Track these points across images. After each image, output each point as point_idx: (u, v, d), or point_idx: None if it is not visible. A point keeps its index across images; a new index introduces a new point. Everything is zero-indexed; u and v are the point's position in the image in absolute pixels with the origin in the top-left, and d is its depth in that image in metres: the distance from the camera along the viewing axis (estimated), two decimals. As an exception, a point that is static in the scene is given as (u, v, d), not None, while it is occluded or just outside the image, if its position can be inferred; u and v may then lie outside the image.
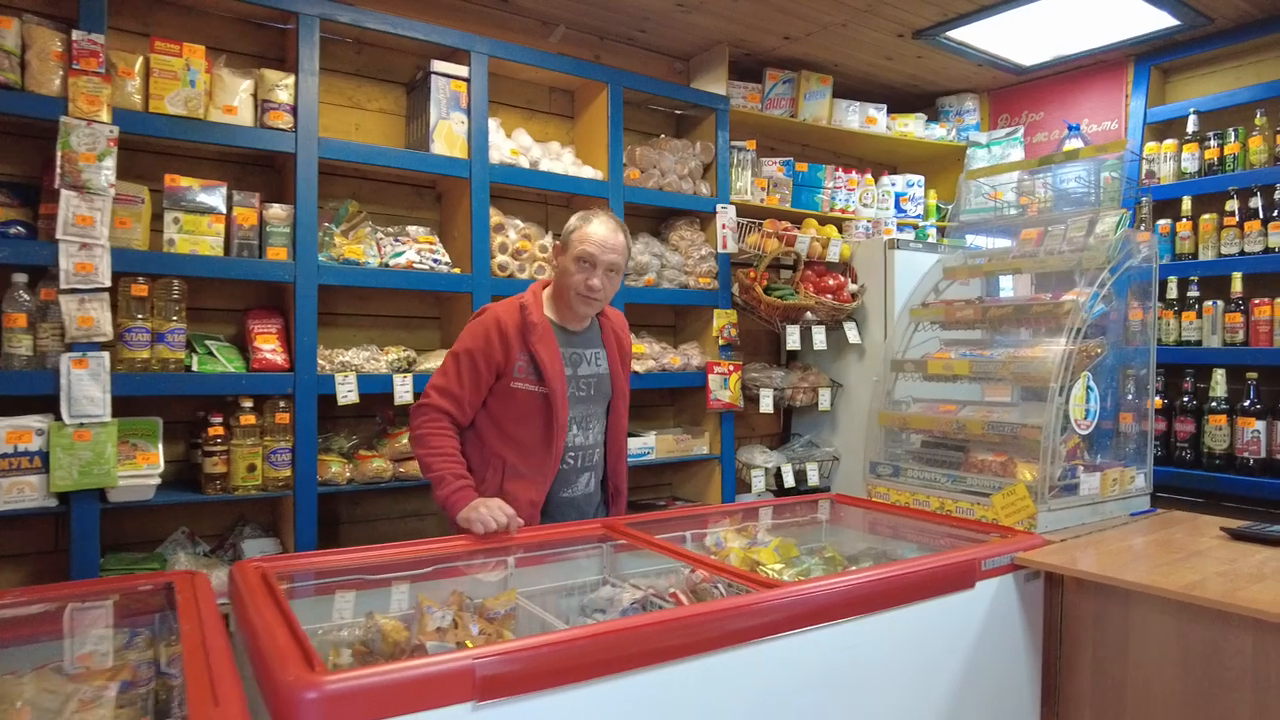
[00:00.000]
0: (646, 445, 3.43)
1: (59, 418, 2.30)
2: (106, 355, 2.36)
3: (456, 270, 3.01)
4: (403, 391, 2.83)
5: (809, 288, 3.72)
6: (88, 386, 2.35)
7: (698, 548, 2.40)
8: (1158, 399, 3.38)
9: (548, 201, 3.52)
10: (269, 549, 2.74)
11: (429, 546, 2.10)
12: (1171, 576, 1.85)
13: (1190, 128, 3.47)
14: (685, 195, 3.52)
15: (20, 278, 2.33)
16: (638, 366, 3.35)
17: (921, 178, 4.09)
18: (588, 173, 3.28)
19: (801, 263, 3.70)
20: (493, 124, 3.09)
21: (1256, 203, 3.23)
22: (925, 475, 2.57)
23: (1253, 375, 3.15)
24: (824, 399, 3.77)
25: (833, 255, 3.76)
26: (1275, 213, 3.17)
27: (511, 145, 3.10)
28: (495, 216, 3.08)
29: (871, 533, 2.60)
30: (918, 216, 4.08)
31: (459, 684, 1.26)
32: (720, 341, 3.60)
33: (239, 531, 2.83)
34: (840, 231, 3.91)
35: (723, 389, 3.56)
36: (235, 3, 2.66)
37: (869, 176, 4.04)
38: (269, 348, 2.67)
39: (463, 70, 3.00)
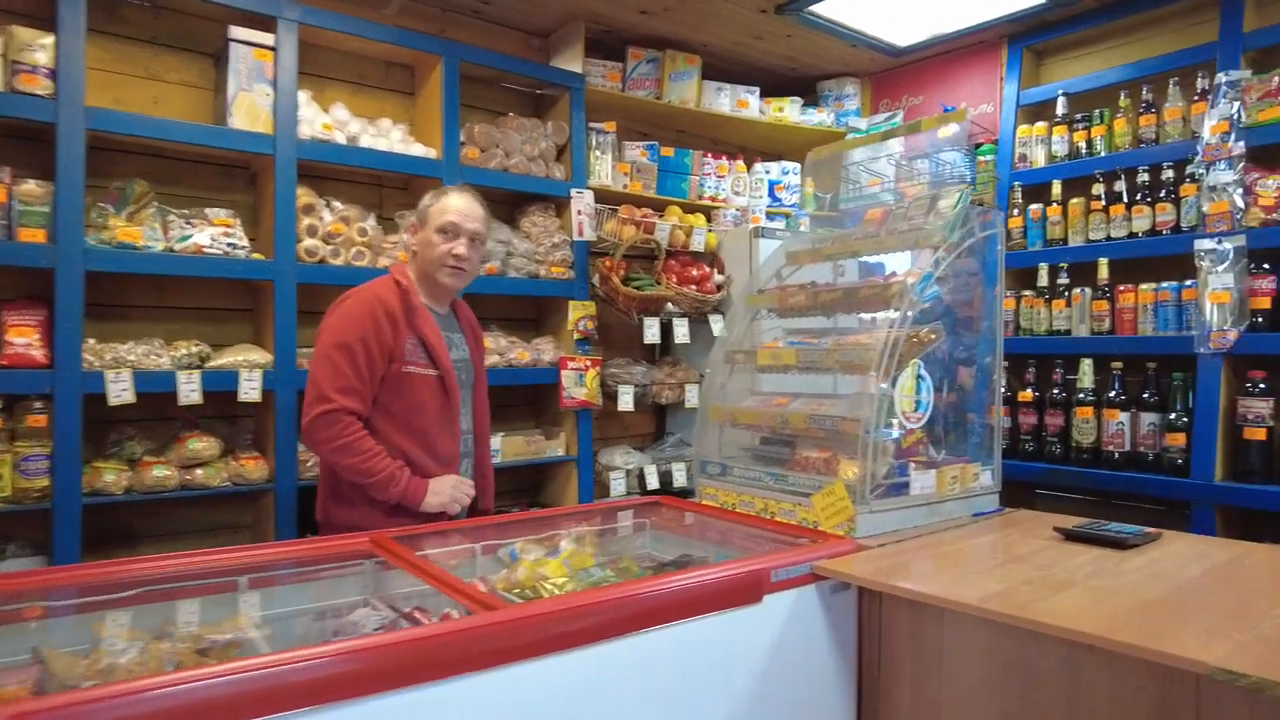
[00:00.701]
0: (492, 448, 3.17)
1: None
2: None
3: (258, 256, 2.73)
4: (188, 390, 2.54)
5: (672, 278, 3.51)
6: None
7: (491, 560, 2.17)
8: (1028, 391, 3.24)
9: (382, 183, 3.26)
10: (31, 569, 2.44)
11: (162, 563, 1.83)
12: (975, 586, 1.65)
13: (1059, 110, 3.33)
14: (534, 178, 3.29)
15: None
16: (477, 362, 3.10)
17: (797, 165, 3.91)
18: (418, 150, 3.03)
19: (662, 252, 3.48)
20: (304, 97, 2.83)
21: (1120, 186, 3.10)
22: (750, 474, 2.36)
23: (1117, 365, 3.01)
24: (691, 395, 3.56)
25: (697, 244, 3.56)
26: (1138, 196, 3.04)
27: (325, 120, 2.83)
28: (306, 197, 2.81)
29: (696, 539, 2.39)
30: (793, 205, 3.89)
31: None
32: (576, 335, 3.37)
33: (1, 550, 2.52)
34: (709, 220, 3.71)
35: (578, 386, 3.33)
36: (-22, -49, 2.37)
37: (740, 163, 3.84)
38: (23, 341, 2.37)
39: (269, 38, 2.73)
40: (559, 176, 3.37)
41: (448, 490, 2.22)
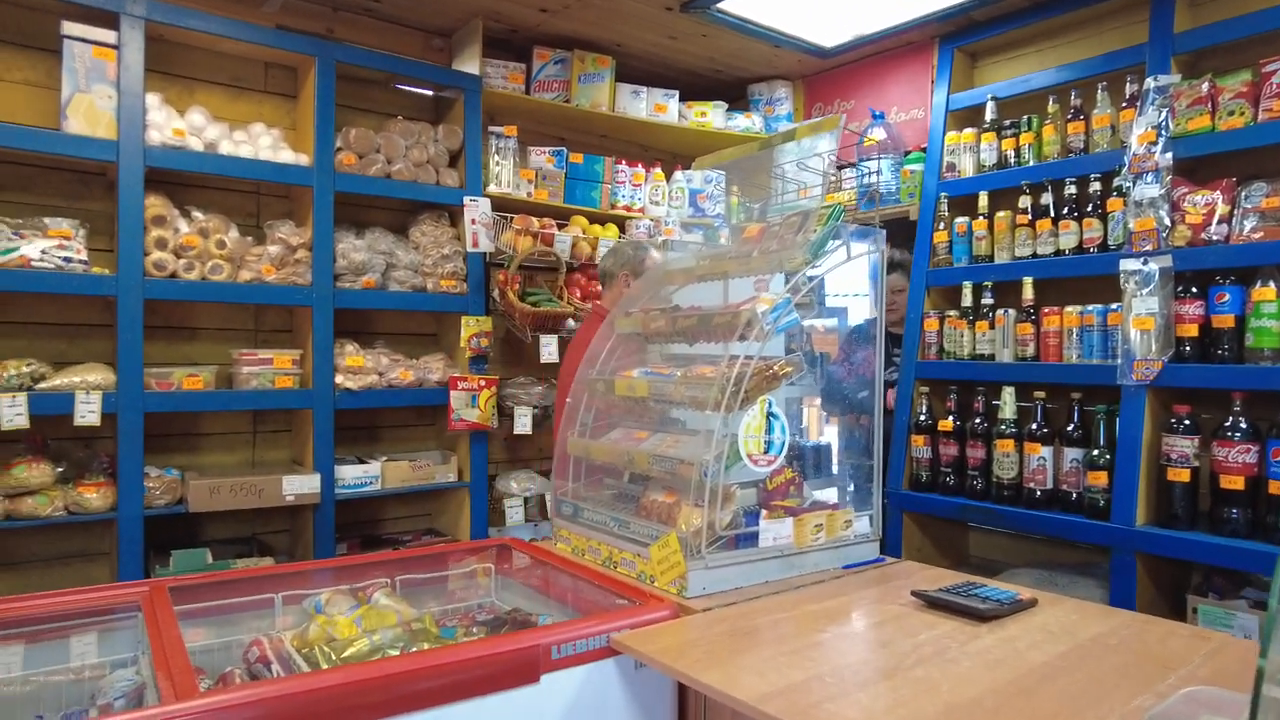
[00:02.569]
0: (371, 474, 2.98)
1: None
2: None
3: (98, 270, 2.55)
4: (13, 414, 2.37)
5: (575, 293, 3.30)
6: None
7: (296, 612, 1.97)
8: (948, 420, 2.99)
9: (260, 191, 3.07)
10: None
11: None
12: (773, 675, 1.43)
13: (988, 116, 3.08)
14: (420, 185, 3.09)
15: None
16: (350, 383, 2.91)
17: (721, 174, 3.68)
18: (287, 157, 2.84)
19: (563, 265, 3.27)
20: (155, 100, 2.65)
21: (1048, 199, 2.85)
22: (598, 518, 2.14)
23: (1040, 394, 2.76)
24: (597, 418, 3.34)
25: (604, 257, 3.34)
26: (1065, 210, 2.79)
27: (177, 125, 2.64)
28: (158, 208, 2.63)
29: (538, 591, 2.18)
30: (717, 215, 3.67)
31: None
32: (469, 353, 3.17)
33: None
34: (622, 231, 3.49)
35: (469, 407, 3.13)
36: None
37: (658, 171, 3.62)
38: None
39: (111, 35, 2.54)
40: (452, 183, 3.17)
41: None
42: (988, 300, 2.95)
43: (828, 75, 3.76)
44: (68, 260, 2.49)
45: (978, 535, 3.35)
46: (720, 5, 3.07)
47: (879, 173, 3.25)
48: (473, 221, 3.13)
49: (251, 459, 3.10)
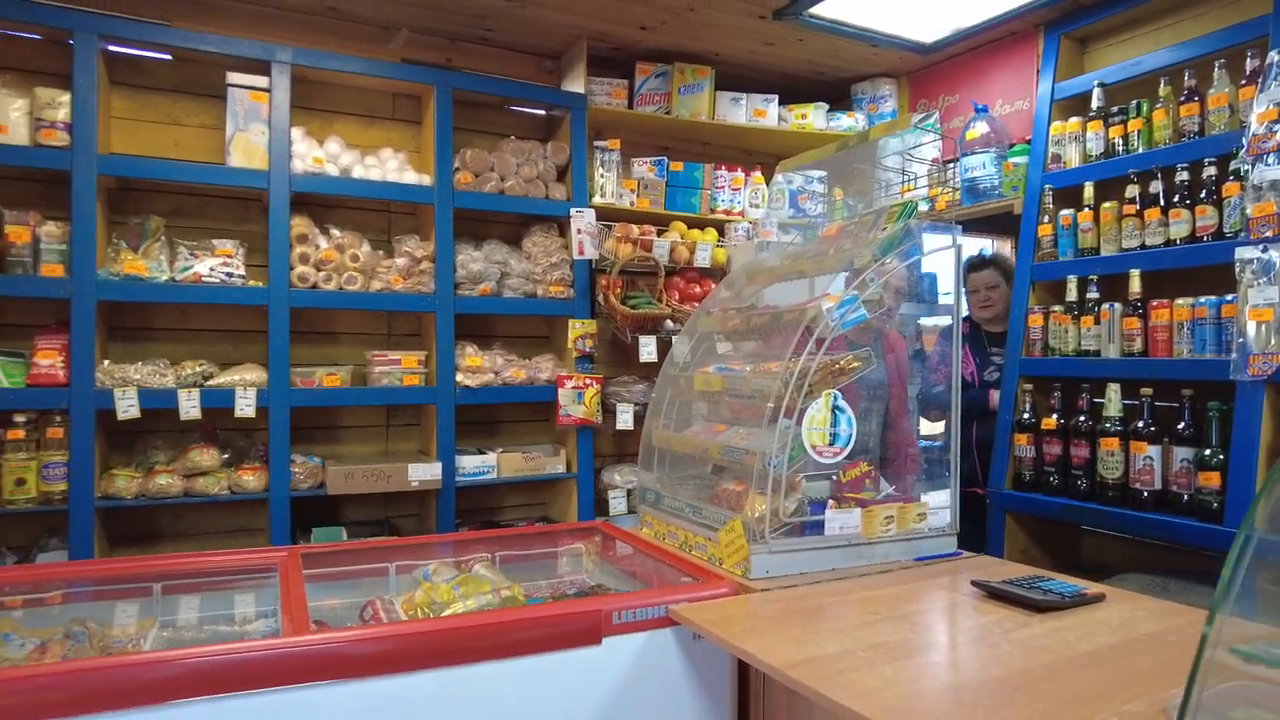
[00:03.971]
0: (488, 464, 3.26)
1: None
2: None
3: (254, 283, 2.95)
4: (188, 407, 2.79)
5: (674, 296, 3.45)
6: None
7: (408, 581, 2.24)
8: (1051, 418, 2.91)
9: (390, 210, 3.42)
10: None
11: (87, 569, 2.04)
12: (811, 646, 1.52)
13: (1095, 103, 2.97)
14: (530, 199, 3.34)
15: None
16: (469, 381, 3.20)
17: (823, 173, 3.72)
18: (411, 178, 3.17)
19: (661, 269, 3.43)
20: (298, 133, 3.03)
21: (1157, 187, 2.72)
22: (675, 505, 2.29)
23: (1147, 392, 2.64)
24: (696, 415, 3.47)
25: (702, 260, 3.47)
26: (1176, 198, 2.66)
27: (316, 154, 3.02)
28: (301, 227, 3.01)
29: (622, 569, 2.34)
30: (819, 216, 3.71)
31: None
32: (575, 354, 3.39)
33: (44, 543, 2.87)
34: (722, 235, 3.61)
35: (575, 404, 3.35)
36: (8, 22, 2.71)
37: (758, 174, 3.71)
38: (47, 363, 2.69)
39: (264, 81, 2.95)
40: (559, 196, 3.41)
41: None
42: (1093, 294, 2.85)
43: (931, 70, 3.72)
44: (230, 275, 2.90)
45: (1091, 539, 3.22)
46: (813, 10, 3.13)
47: (998, 164, 3.19)
48: (578, 231, 3.35)
49: (385, 449, 3.45)
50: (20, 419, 2.64)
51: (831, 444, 2.05)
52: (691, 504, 2.21)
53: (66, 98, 2.68)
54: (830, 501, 2.09)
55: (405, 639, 1.54)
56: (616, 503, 3.41)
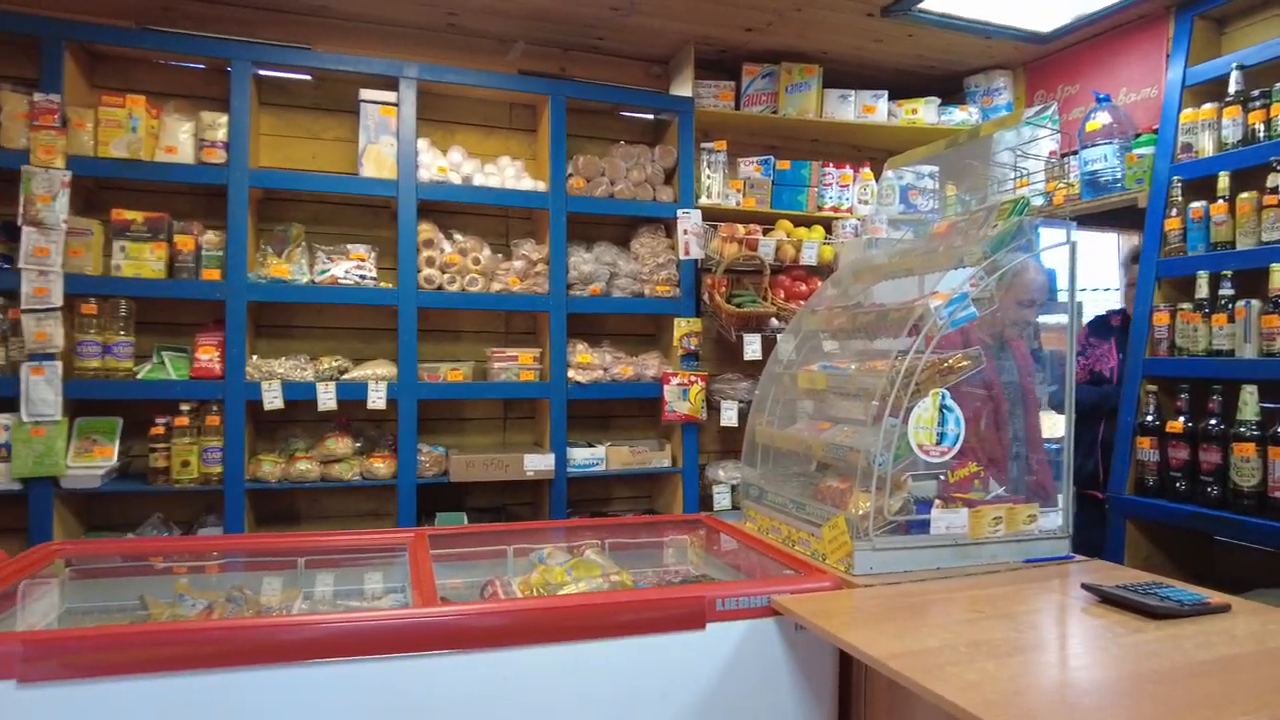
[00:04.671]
0: (597, 456, 3.39)
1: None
2: (59, 364, 2.79)
3: (384, 285, 3.18)
4: (325, 399, 3.04)
5: (780, 294, 3.48)
6: (43, 390, 2.79)
7: (524, 564, 2.38)
8: (1178, 421, 2.78)
9: (508, 215, 3.60)
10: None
11: (242, 543, 2.28)
12: (910, 640, 1.55)
13: (1232, 87, 2.81)
14: (639, 202, 3.45)
15: (-3, 300, 2.82)
16: (580, 377, 3.33)
17: (934, 168, 3.65)
18: (527, 185, 3.33)
19: (766, 268, 3.46)
20: (424, 144, 3.24)
21: (1301, 177, 2.55)
22: (779, 500, 2.33)
23: (1288, 394, 2.49)
24: (801, 413, 3.49)
25: (808, 258, 3.49)
26: (1322, 188, 2.49)
27: (440, 163, 3.21)
28: (427, 232, 3.21)
29: (724, 560, 2.41)
30: (930, 211, 3.65)
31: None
32: (681, 351, 3.47)
33: (202, 520, 3.19)
34: (829, 233, 3.61)
35: (681, 400, 3.43)
36: (176, 54, 3.02)
37: (867, 170, 3.68)
38: (207, 358, 2.99)
39: (392, 96, 3.17)
40: (667, 198, 3.50)
41: None
42: (1227, 291, 2.70)
43: (1049, 61, 3.59)
44: (363, 277, 3.14)
45: (1224, 550, 3.04)
46: (922, 6, 3.10)
47: (1121, 156, 3.07)
48: (685, 232, 3.43)
49: (502, 441, 3.64)
50: (185, 408, 2.94)
51: (939, 443, 2.05)
52: (795, 500, 2.25)
53: (224, 119, 2.97)
54: (936, 501, 2.08)
55: (523, 614, 1.66)
56: (720, 498, 3.47)
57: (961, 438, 2.07)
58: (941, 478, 2.23)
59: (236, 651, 1.49)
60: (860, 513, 2.00)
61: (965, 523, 2.08)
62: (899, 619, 1.69)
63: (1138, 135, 3.13)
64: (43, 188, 2.79)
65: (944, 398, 2.05)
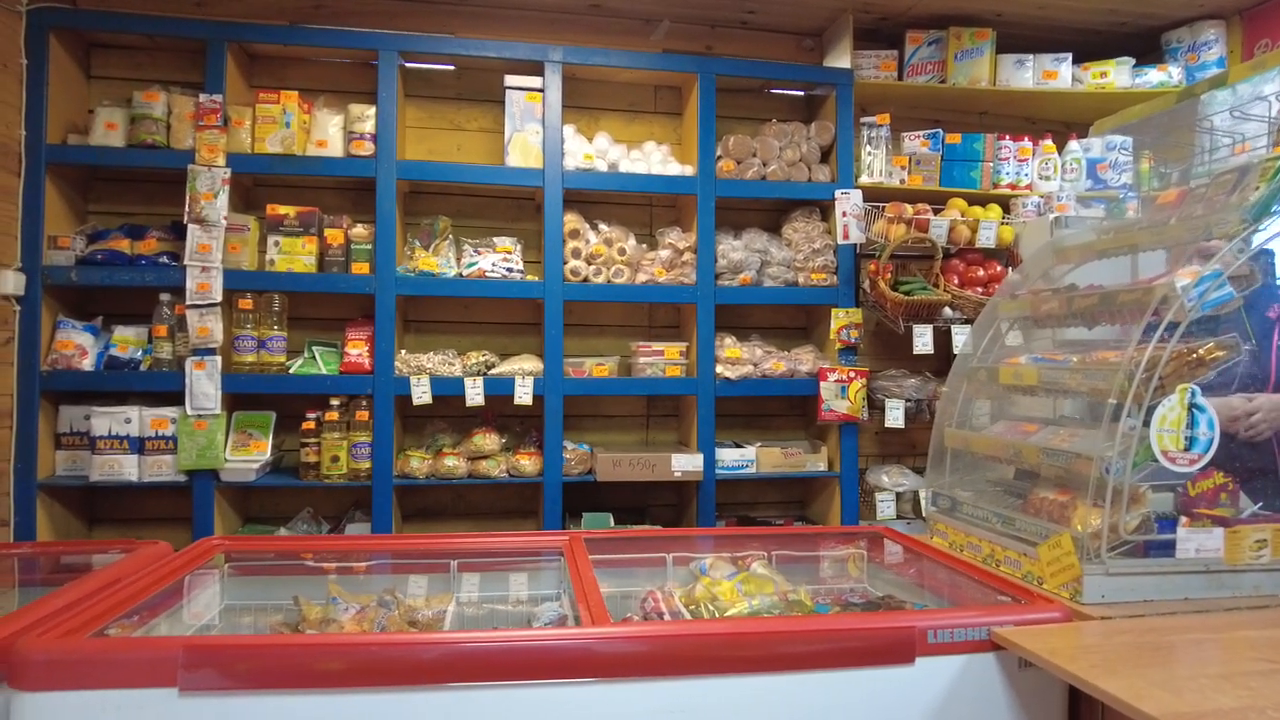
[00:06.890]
0: (746, 458, 3.17)
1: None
2: (219, 358, 2.83)
3: (530, 278, 3.07)
4: (473, 394, 2.96)
5: (953, 280, 3.15)
6: (204, 384, 2.83)
7: (681, 574, 2.19)
8: None
9: (652, 203, 3.43)
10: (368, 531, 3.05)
11: (393, 543, 2.20)
12: (1194, 696, 1.25)
13: None
14: (792, 184, 3.20)
15: (164, 296, 2.88)
16: (728, 372, 3.12)
17: (1127, 140, 3.22)
18: (674, 170, 3.15)
19: (939, 251, 3.14)
20: (569, 130, 3.11)
21: None
22: (978, 513, 2.04)
23: None
24: (976, 413, 3.15)
25: (985, 240, 3.14)
26: None
27: (586, 150, 3.08)
28: (572, 223, 3.09)
29: (911, 580, 2.14)
30: (1123, 187, 3.22)
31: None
32: (839, 345, 3.20)
33: (351, 515, 3.19)
34: (1007, 212, 3.25)
35: (839, 398, 3.17)
36: (325, 49, 3.02)
37: (1048, 143, 3.29)
38: (356, 352, 2.97)
39: (537, 81, 3.06)
40: (823, 179, 3.24)
41: None
42: None
43: (1272, 4, 3.09)
44: (510, 270, 3.04)
45: None
46: (1125, -53, 2.71)
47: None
48: (843, 214, 3.16)
49: (645, 439, 3.48)
50: (335, 402, 2.92)
51: (1188, 449, 1.72)
52: (1000, 513, 1.96)
53: (372, 111, 2.94)
54: (1182, 519, 1.75)
55: (706, 639, 1.47)
56: (885, 507, 3.18)
57: (1215, 443, 1.73)
58: (1178, 490, 1.89)
59: (402, 671, 1.37)
60: (1089, 530, 1.70)
61: (1220, 544, 1.74)
62: (1157, 663, 1.39)
63: (1401, 85, 2.62)
64: (206, 185, 2.83)
65: (1194, 395, 1.72)
